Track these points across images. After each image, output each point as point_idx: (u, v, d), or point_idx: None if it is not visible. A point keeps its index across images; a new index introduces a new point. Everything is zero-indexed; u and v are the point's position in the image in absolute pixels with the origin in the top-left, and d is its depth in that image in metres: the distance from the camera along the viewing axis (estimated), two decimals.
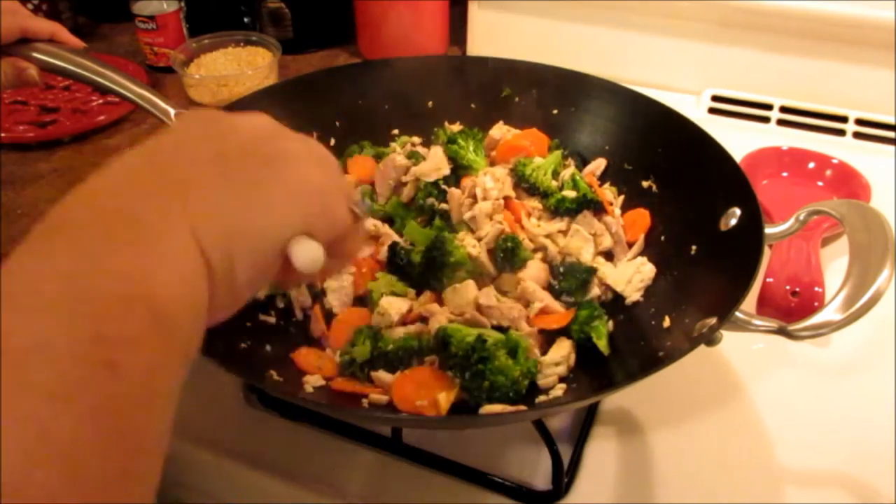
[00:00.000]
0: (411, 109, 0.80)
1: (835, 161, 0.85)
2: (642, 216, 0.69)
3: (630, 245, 0.68)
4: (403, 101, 0.80)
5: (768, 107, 0.98)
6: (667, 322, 0.57)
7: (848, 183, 0.83)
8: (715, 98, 1.01)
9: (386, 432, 0.57)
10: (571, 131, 0.77)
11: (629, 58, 1.03)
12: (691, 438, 0.59)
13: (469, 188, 0.68)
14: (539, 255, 0.65)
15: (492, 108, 0.79)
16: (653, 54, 1.03)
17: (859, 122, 0.95)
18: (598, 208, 0.68)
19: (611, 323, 0.60)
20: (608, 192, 0.71)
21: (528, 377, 0.53)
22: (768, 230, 0.56)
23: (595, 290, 0.63)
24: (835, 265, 0.72)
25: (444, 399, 0.51)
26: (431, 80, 0.80)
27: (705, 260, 0.61)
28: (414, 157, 0.72)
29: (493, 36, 1.10)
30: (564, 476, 0.53)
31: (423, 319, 0.59)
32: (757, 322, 0.49)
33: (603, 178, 0.74)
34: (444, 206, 0.68)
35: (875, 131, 0.94)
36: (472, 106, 0.80)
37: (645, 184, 0.71)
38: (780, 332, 0.48)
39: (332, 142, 0.77)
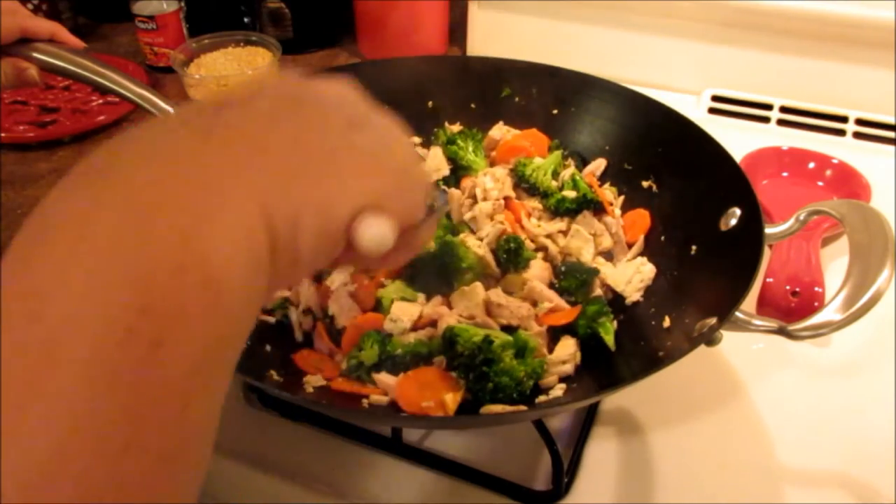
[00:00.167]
0: (411, 110, 0.79)
1: (835, 161, 0.85)
2: (642, 217, 0.69)
3: (630, 246, 0.68)
4: (403, 101, 0.79)
5: (768, 107, 0.98)
6: (667, 322, 0.57)
7: (848, 183, 0.83)
8: (715, 98, 1.01)
9: (386, 432, 0.57)
10: (571, 131, 0.77)
11: (629, 58, 1.03)
12: (691, 438, 0.59)
13: (469, 188, 0.68)
14: (540, 254, 0.65)
15: (492, 108, 0.79)
16: (653, 54, 1.03)
17: (859, 122, 0.95)
18: (598, 208, 0.68)
19: (613, 322, 0.60)
20: (608, 193, 0.71)
21: (533, 377, 0.53)
22: (768, 230, 0.56)
23: (597, 291, 0.63)
24: (835, 265, 0.72)
25: (451, 400, 0.51)
26: (431, 81, 0.80)
27: (705, 260, 0.61)
28: None
29: (493, 36, 1.10)
30: (564, 476, 0.53)
31: (433, 324, 0.58)
32: (757, 322, 0.49)
33: (603, 179, 0.74)
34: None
35: (875, 131, 0.94)
36: (472, 106, 0.80)
37: (645, 184, 0.71)
38: (780, 332, 0.48)
39: None
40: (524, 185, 0.70)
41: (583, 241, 0.66)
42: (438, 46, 1.13)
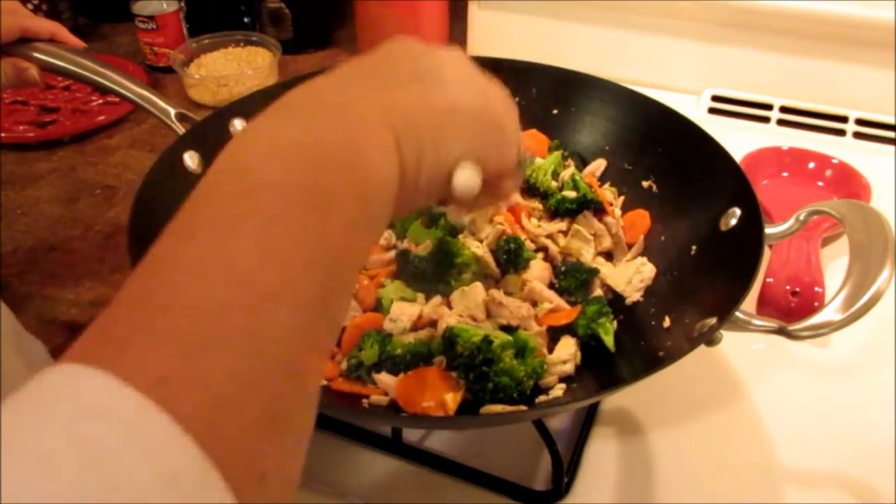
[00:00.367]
0: None
1: (835, 161, 0.85)
2: (642, 217, 0.69)
3: (630, 246, 0.68)
4: None
5: (768, 107, 0.99)
6: (667, 322, 0.57)
7: (848, 183, 0.83)
8: (715, 98, 1.01)
9: (386, 432, 0.57)
10: (571, 131, 0.77)
11: (629, 58, 1.03)
12: (691, 438, 0.59)
13: None
14: (540, 255, 0.65)
15: None
16: (653, 54, 1.03)
17: (859, 122, 0.95)
18: (598, 209, 0.68)
19: (613, 322, 0.60)
20: (608, 193, 0.71)
21: (533, 377, 0.53)
22: (768, 230, 0.56)
23: (597, 291, 0.63)
24: (835, 265, 0.72)
25: (452, 400, 0.51)
26: None
27: (705, 260, 0.61)
28: None
29: (493, 36, 1.10)
30: (564, 476, 0.53)
31: (433, 324, 0.58)
32: (757, 322, 0.49)
33: (603, 179, 0.74)
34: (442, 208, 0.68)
35: (875, 131, 0.94)
36: None
37: (645, 184, 0.71)
38: (780, 332, 0.48)
39: None
40: (524, 185, 0.70)
41: (583, 241, 0.66)
42: None
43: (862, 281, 0.48)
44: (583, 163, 0.75)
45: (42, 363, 0.45)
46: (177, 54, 1.05)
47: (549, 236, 0.66)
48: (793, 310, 0.66)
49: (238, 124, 0.68)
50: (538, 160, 0.71)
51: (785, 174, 0.87)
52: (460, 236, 0.64)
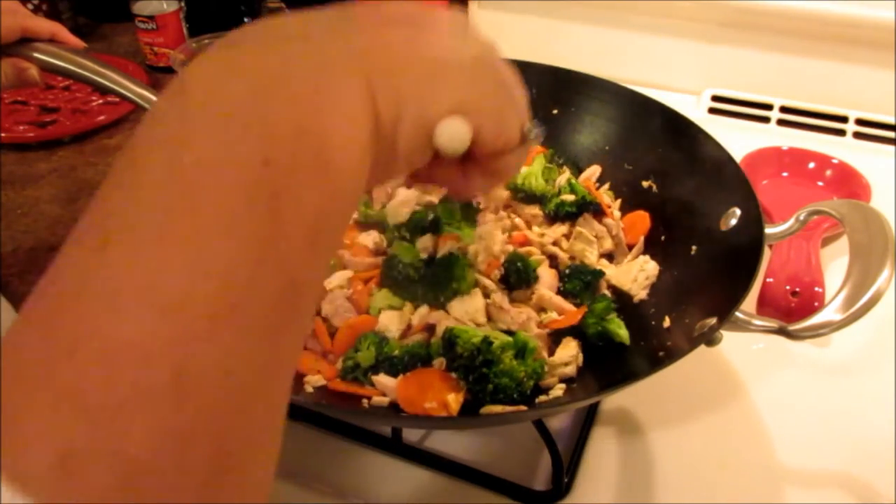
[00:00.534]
0: None
1: (835, 161, 0.85)
2: (642, 218, 0.69)
3: (630, 247, 0.68)
4: None
5: (768, 107, 0.99)
6: (667, 322, 0.57)
7: (848, 183, 0.83)
8: (715, 98, 1.01)
9: (386, 432, 0.57)
10: (571, 131, 0.77)
11: (629, 58, 1.03)
12: (691, 438, 0.59)
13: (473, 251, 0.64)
14: (546, 262, 0.65)
15: None
16: (653, 54, 1.03)
17: (859, 122, 0.95)
18: (597, 210, 0.68)
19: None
20: (605, 196, 0.71)
21: (533, 378, 0.53)
22: (768, 230, 0.56)
23: (601, 292, 0.63)
24: (835, 265, 0.72)
25: (454, 400, 0.51)
26: None
27: (705, 260, 0.61)
28: None
29: (493, 36, 1.10)
30: (564, 476, 0.53)
31: (428, 329, 0.58)
32: (757, 322, 0.49)
33: (602, 179, 0.74)
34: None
35: (875, 131, 0.94)
36: None
37: (645, 184, 0.71)
38: (780, 332, 0.48)
39: None
40: (520, 194, 0.69)
41: (586, 243, 0.66)
42: None
43: (862, 281, 0.48)
44: (577, 170, 0.75)
45: None
46: (177, 54, 1.05)
47: (554, 243, 0.66)
48: (793, 310, 0.66)
49: None
50: (524, 169, 0.70)
51: (785, 174, 0.87)
52: (471, 247, 0.62)
